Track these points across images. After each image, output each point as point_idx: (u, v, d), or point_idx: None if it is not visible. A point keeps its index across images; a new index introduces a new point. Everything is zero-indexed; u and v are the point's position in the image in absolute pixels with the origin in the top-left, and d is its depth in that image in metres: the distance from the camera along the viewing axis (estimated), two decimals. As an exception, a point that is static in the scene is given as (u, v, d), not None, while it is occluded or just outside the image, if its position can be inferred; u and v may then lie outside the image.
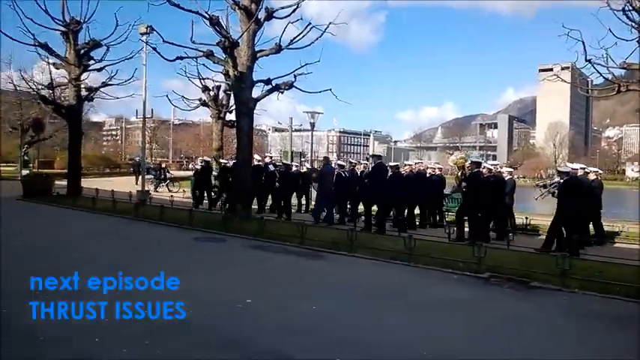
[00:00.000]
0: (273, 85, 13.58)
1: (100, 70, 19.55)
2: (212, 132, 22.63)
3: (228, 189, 15.10)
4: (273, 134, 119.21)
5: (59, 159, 44.04)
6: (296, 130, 53.38)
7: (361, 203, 13.19)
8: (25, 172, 30.22)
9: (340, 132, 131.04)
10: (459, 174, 11.30)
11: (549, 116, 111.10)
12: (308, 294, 6.40)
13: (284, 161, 15.36)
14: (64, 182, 19.46)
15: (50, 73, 20.47)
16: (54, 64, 19.22)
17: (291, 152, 24.48)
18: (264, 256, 8.90)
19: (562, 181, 10.03)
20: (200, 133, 64.55)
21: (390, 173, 12.18)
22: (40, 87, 22.86)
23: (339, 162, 14.82)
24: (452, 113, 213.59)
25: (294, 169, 15.57)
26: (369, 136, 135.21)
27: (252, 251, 9.27)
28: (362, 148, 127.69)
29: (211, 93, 20.17)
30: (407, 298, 6.35)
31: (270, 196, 15.16)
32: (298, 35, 12.99)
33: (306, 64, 13.24)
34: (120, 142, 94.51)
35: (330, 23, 12.72)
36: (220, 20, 12.84)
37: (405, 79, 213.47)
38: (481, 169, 10.96)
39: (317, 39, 13.17)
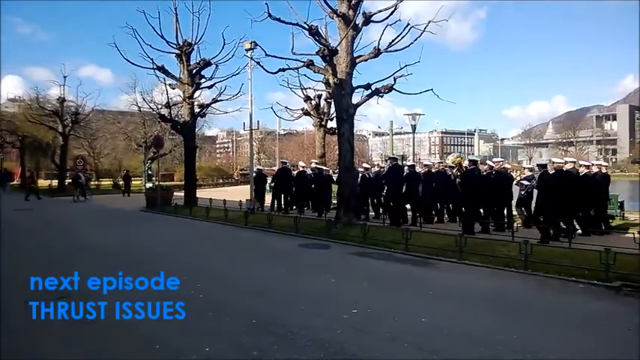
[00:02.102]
0: (373, 89, 13.47)
1: (210, 87, 21.13)
2: (315, 140, 23.10)
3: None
4: (374, 139, 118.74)
5: (178, 171, 47.99)
6: (396, 134, 52.74)
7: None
8: (149, 185, 33.31)
9: (442, 132, 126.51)
10: (455, 171, 12.65)
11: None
12: (419, 304, 6.04)
13: (317, 166, 17.63)
14: (182, 193, 21.03)
15: (167, 93, 22.40)
16: (170, 84, 21.04)
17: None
18: (370, 263, 8.76)
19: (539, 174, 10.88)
20: (304, 141, 66.37)
21: (407, 172, 13.80)
22: (159, 107, 25.21)
23: (365, 164, 17.12)
24: (563, 107, 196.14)
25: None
26: (474, 135, 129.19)
27: (357, 258, 9.20)
28: (466, 148, 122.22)
29: (313, 102, 20.73)
30: (533, 311, 5.80)
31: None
32: (397, 37, 12.75)
33: (405, 66, 12.98)
34: (231, 153, 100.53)
35: (429, 21, 12.26)
36: (319, 29, 13.08)
37: (509, 74, 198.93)
38: (478, 167, 12.31)
39: (416, 39, 12.84)
